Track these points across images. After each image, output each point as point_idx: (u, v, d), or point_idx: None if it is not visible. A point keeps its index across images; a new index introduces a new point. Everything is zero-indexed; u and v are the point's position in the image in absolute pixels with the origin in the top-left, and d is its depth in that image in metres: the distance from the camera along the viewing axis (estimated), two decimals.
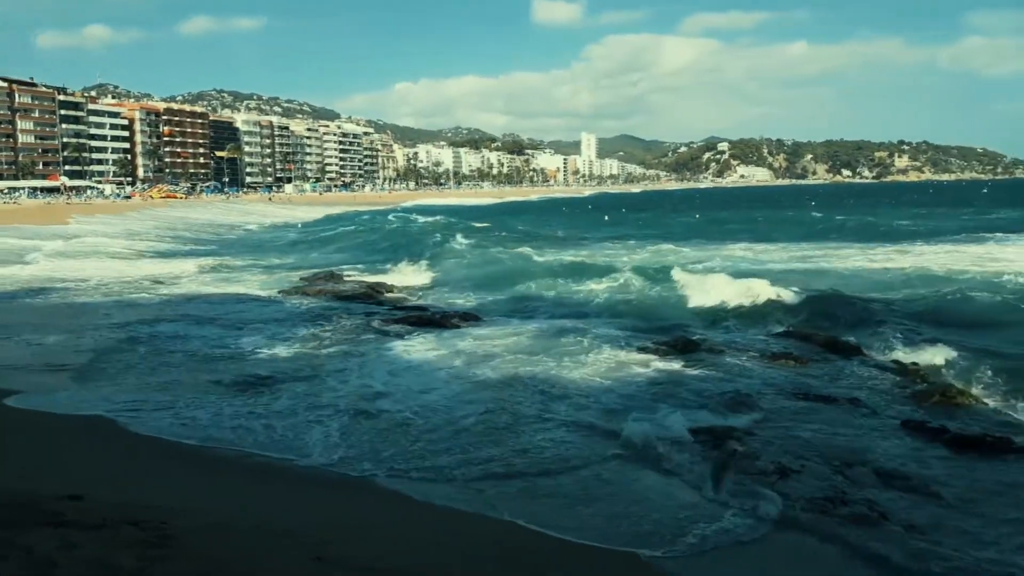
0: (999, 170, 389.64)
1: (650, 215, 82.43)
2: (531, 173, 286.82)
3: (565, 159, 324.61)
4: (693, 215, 79.99)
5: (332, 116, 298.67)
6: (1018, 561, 6.58)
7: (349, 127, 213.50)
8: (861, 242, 39.01)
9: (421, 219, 63.39)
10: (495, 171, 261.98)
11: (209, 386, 12.45)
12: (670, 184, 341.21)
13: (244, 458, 9.23)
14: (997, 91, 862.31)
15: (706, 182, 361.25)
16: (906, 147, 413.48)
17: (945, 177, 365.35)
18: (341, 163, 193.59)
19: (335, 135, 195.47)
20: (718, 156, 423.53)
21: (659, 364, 13.83)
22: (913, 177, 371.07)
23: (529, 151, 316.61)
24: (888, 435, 9.93)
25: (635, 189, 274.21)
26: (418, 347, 15.40)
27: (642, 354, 14.52)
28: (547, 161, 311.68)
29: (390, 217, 68.62)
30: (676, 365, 13.73)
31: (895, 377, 12.84)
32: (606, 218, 76.06)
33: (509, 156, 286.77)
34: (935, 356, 13.53)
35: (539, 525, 7.31)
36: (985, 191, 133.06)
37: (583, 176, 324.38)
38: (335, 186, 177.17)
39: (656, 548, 6.84)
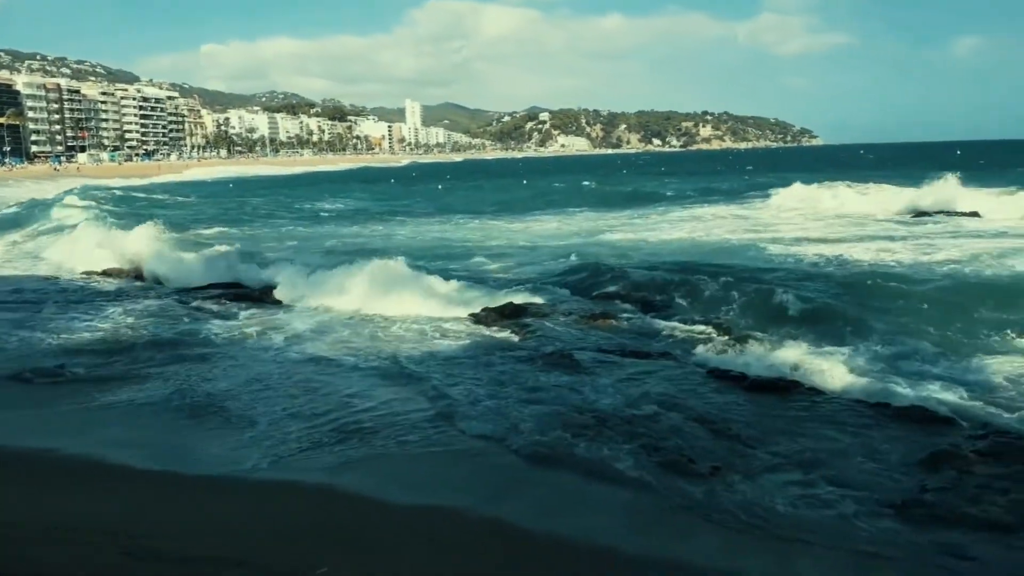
0: (788, 138, 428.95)
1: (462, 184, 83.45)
2: (354, 140, 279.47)
3: (390, 126, 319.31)
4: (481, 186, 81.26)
5: (131, 79, 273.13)
6: (798, 491, 7.38)
7: (151, 91, 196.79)
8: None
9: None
10: (315, 138, 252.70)
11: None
12: (496, 153, 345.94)
13: (44, 454, 8.38)
14: (787, 66, 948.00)
15: (530, 151, 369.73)
16: (709, 117, 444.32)
17: (743, 145, 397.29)
18: (143, 130, 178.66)
19: (135, 100, 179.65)
20: (540, 126, 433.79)
21: (486, 330, 14.22)
22: (716, 145, 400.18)
23: (352, 117, 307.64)
24: (696, 384, 10.74)
25: (457, 158, 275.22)
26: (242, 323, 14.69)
27: (472, 323, 14.80)
28: (371, 128, 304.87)
29: None
30: (505, 333, 14.07)
31: (702, 330, 13.84)
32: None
33: (330, 122, 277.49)
34: (733, 311, 14.78)
35: (358, 490, 7.29)
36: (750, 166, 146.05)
37: (409, 144, 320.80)
38: (136, 155, 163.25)
39: (482, 504, 7.05)
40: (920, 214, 34.25)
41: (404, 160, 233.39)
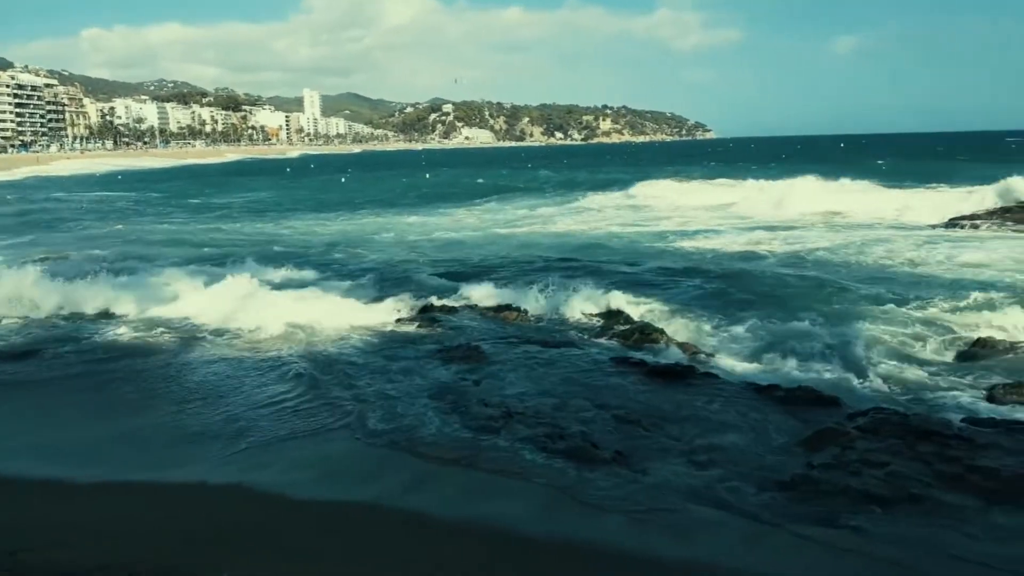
0: (684, 132, 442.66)
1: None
2: (250, 131, 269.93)
3: (287, 116, 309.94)
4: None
5: (3, 65, 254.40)
6: (694, 472, 7.74)
7: (26, 78, 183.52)
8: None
9: None
10: (208, 128, 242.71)
11: None
12: (399, 144, 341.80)
13: None
14: (683, 61, 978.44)
15: (434, 143, 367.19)
16: (609, 111, 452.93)
17: (641, 138, 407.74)
18: (18, 120, 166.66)
19: (8, 87, 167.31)
20: (443, 117, 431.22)
21: (393, 326, 14.11)
22: (615, 139, 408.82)
23: (247, 107, 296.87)
24: (599, 371, 11.04)
25: (356, 149, 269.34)
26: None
27: (378, 319, 14.65)
28: (268, 118, 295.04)
29: None
30: (412, 328, 14.02)
31: (603, 321, 14.20)
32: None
33: (224, 112, 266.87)
34: (630, 301, 15.23)
35: (268, 488, 7.19)
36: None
37: (308, 135, 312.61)
38: (12, 146, 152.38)
39: (395, 498, 7.06)
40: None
41: (295, 151, 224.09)
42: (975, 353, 11.52)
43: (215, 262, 21.18)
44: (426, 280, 18.67)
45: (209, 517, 6.74)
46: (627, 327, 13.44)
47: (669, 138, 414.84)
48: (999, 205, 28.90)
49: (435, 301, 15.68)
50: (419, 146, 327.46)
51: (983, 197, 30.38)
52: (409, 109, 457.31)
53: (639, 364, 11.21)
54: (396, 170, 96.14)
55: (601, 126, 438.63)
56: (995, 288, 15.58)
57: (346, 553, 6.14)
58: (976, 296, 14.57)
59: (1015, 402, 9.49)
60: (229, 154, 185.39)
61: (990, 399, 9.63)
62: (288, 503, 7.00)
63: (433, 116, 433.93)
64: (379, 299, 16.08)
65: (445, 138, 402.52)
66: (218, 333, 13.80)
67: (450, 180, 71.99)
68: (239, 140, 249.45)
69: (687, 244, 24.35)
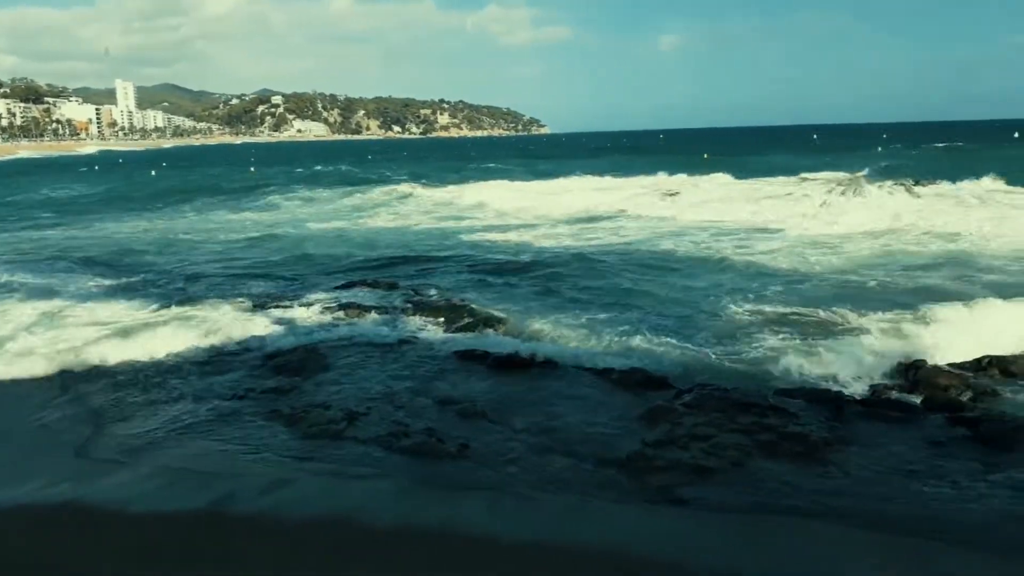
0: (519, 127, 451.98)
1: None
2: (55, 125, 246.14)
3: (98, 109, 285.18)
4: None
5: None
6: (536, 457, 7.97)
7: None
8: None
9: None
10: (5, 122, 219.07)
11: None
12: (224, 138, 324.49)
13: None
14: (515, 57, 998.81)
15: (263, 136, 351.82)
16: (446, 105, 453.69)
17: (479, 133, 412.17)
18: None
19: None
20: (273, 109, 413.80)
21: (223, 330, 13.32)
22: (454, 133, 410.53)
23: (50, 99, 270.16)
24: (442, 365, 11.05)
25: (166, 144, 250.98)
26: None
27: (201, 323, 13.76)
28: (75, 111, 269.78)
29: None
30: (240, 330, 13.32)
31: (447, 314, 14.20)
32: None
33: (23, 104, 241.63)
34: (471, 296, 15.38)
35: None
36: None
37: (121, 129, 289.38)
38: None
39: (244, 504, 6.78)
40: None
41: (92, 147, 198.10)
42: (792, 330, 12.61)
43: None
44: (252, 283, 17.85)
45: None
46: (469, 320, 13.54)
47: (506, 133, 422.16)
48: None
49: (268, 297, 15.04)
50: (249, 139, 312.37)
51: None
52: (235, 101, 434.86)
53: (482, 357, 11.33)
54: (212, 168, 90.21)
55: (439, 120, 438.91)
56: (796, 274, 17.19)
57: (184, 560, 5.85)
58: (782, 282, 16.01)
59: (818, 375, 10.48)
60: (22, 151, 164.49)
61: (798, 371, 10.58)
62: (127, 517, 6.54)
63: (261, 108, 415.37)
64: (199, 299, 15.17)
65: (275, 131, 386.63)
66: None
67: (286, 176, 69.23)
68: (42, 135, 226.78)
69: (526, 238, 24.74)
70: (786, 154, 78.01)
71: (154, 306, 14.91)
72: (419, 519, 6.66)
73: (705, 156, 70.81)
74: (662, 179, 43.99)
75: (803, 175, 43.24)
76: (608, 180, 46.23)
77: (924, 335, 11.47)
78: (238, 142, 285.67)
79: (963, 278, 15.94)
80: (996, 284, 15.11)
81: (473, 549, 6.21)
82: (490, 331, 12.89)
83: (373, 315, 14.23)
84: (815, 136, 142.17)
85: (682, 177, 44.03)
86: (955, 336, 11.36)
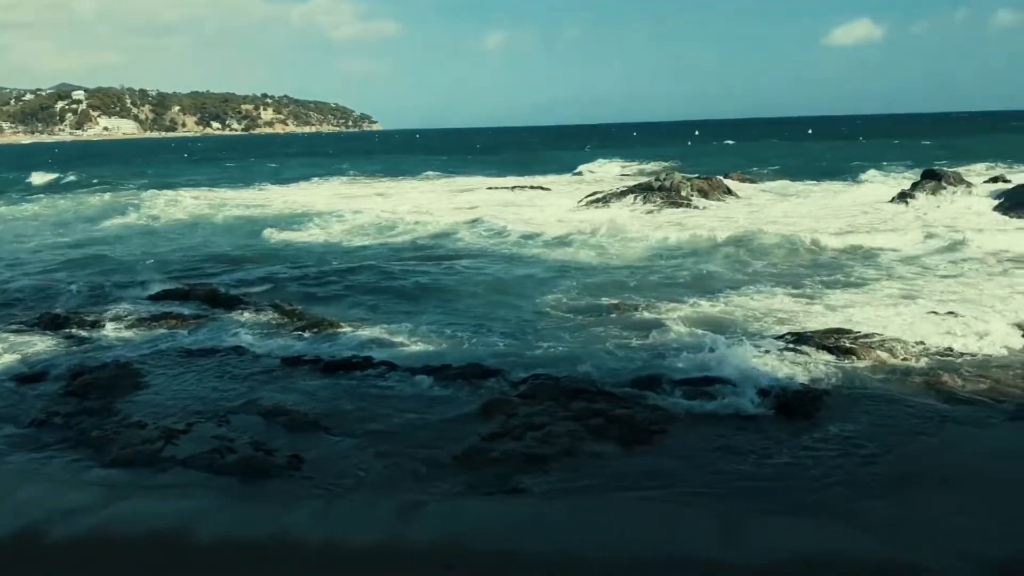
0: (350, 123, 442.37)
1: None
2: None
3: None
4: None
5: None
6: (375, 460, 7.81)
7: None
8: None
9: None
10: None
11: None
12: (17, 137, 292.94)
13: None
14: (343, 51, 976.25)
15: (64, 134, 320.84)
16: (270, 100, 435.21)
17: (307, 129, 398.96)
18: None
19: None
20: (75, 106, 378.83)
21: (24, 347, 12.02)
22: (279, 129, 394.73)
23: None
24: (270, 374, 10.55)
25: None
26: None
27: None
28: None
29: None
30: (43, 344, 12.09)
31: (277, 319, 13.59)
32: None
33: None
34: (297, 299, 14.87)
35: None
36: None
37: None
38: None
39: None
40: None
41: None
42: (608, 319, 13.22)
43: None
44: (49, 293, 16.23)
45: None
46: (298, 324, 13.05)
47: (336, 129, 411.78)
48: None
49: (69, 311, 13.72)
50: (48, 138, 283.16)
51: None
52: (30, 96, 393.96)
53: (313, 361, 10.94)
54: None
55: (263, 116, 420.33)
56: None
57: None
58: (604, 272, 16.79)
59: (641, 358, 11.03)
60: None
61: (624, 356, 11.08)
62: None
63: (61, 104, 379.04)
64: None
65: (78, 129, 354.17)
66: None
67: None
68: None
69: (356, 240, 24.02)
70: (577, 151, 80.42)
71: None
72: (247, 533, 6.39)
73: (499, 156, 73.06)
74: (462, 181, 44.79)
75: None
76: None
77: (726, 317, 12.50)
78: (27, 141, 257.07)
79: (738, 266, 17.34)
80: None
81: (307, 557, 6.01)
82: (320, 335, 12.48)
83: (191, 323, 13.35)
84: (635, 133, 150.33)
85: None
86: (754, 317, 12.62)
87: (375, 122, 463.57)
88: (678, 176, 32.07)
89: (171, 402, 9.49)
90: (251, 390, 9.86)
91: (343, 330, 12.79)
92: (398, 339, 12.08)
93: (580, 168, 51.27)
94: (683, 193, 29.78)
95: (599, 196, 31.62)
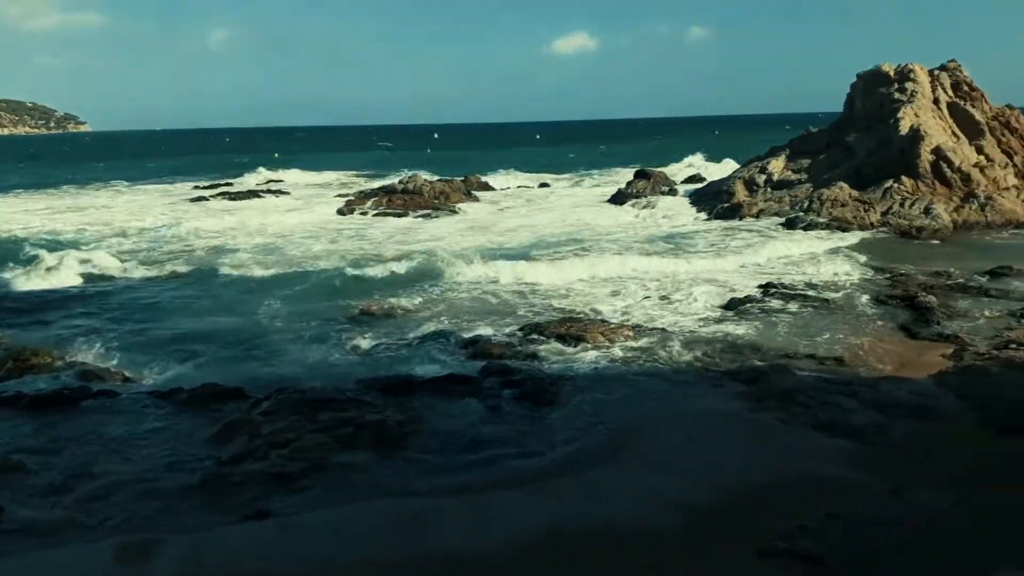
0: (52, 124, 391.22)
1: None
2: None
3: None
4: None
5: None
6: (91, 504, 7.03)
7: None
8: None
9: None
10: None
11: None
12: None
13: None
14: (40, 45, 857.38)
15: None
16: None
17: (2, 132, 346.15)
18: None
19: None
20: None
21: None
22: None
23: None
24: None
25: None
26: None
27: None
28: None
29: None
30: None
31: None
32: None
33: None
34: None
35: None
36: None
37: None
38: None
39: None
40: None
41: None
42: (365, 320, 13.22)
43: None
44: None
45: None
46: None
47: (35, 131, 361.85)
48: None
49: None
50: None
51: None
52: None
53: (16, 398, 9.55)
54: None
55: None
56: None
57: None
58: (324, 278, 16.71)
59: (390, 359, 11.08)
60: None
61: (373, 360, 11.05)
62: None
63: None
64: None
65: None
66: None
67: None
68: None
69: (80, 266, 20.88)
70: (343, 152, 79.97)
71: None
72: None
73: (276, 156, 69.35)
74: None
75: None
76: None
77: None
78: None
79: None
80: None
81: None
82: (28, 365, 10.90)
83: None
84: (375, 138, 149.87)
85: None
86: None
87: (83, 123, 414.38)
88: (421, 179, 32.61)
89: None
90: None
91: (56, 359, 11.25)
92: (125, 364, 10.92)
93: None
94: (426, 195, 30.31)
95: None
